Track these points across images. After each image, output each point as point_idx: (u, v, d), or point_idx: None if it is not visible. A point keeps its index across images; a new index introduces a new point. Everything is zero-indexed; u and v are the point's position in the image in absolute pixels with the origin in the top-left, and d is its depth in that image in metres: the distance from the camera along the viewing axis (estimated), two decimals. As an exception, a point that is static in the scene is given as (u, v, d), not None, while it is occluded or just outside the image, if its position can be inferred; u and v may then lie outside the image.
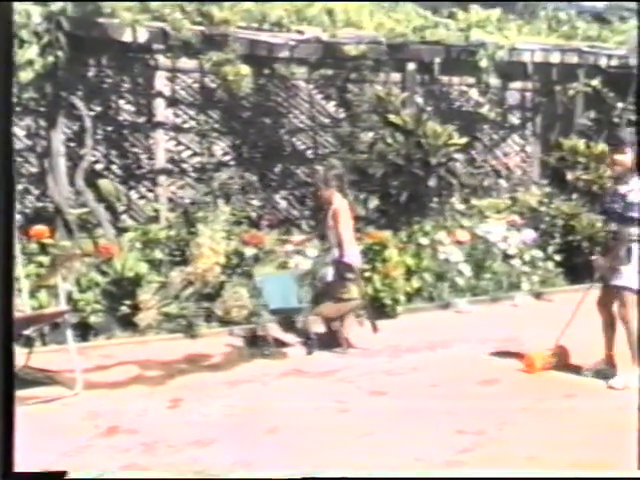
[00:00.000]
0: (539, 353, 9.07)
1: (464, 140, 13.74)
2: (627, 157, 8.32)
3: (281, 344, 10.23)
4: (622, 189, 8.37)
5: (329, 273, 10.41)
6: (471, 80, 14.73)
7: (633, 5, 19.90)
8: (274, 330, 10.53)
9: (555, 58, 15.47)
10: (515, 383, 8.55)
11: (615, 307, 8.55)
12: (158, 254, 11.07)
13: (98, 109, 11.94)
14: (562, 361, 9.08)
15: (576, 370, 8.82)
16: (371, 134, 13.58)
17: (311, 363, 9.41)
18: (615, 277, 8.41)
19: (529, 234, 13.54)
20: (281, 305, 10.25)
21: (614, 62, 16.09)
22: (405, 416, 7.50)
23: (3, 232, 3.86)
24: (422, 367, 9.17)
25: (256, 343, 10.17)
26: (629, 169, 8.34)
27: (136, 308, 10.29)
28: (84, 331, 9.94)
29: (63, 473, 4.81)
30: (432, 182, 13.38)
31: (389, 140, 13.24)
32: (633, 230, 8.23)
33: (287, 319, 10.72)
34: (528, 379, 8.66)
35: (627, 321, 8.40)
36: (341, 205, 10.24)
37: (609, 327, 8.77)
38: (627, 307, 8.37)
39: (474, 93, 15.02)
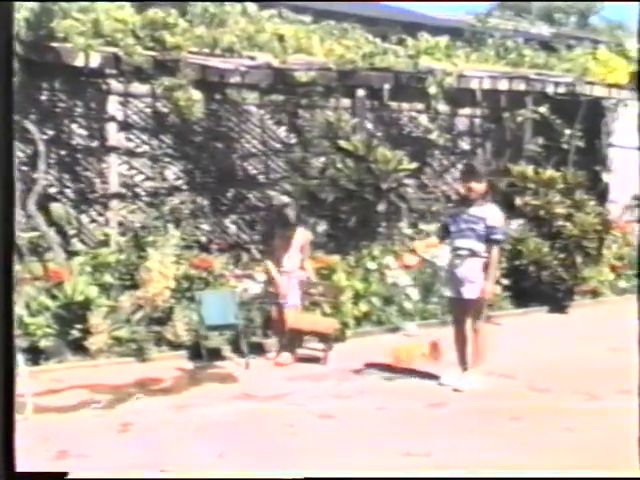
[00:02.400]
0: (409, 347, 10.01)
1: (414, 165, 13.91)
2: (481, 185, 9.19)
3: (219, 357, 10.56)
4: (479, 213, 9.14)
5: (295, 294, 10.66)
6: (420, 106, 14.94)
7: (580, 33, 20.31)
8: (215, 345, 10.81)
9: (503, 85, 15.75)
10: (463, 405, 8.66)
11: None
12: (108, 278, 11.07)
13: (51, 133, 11.97)
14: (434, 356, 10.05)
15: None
16: (322, 159, 13.74)
17: (260, 387, 9.45)
18: (467, 290, 9.15)
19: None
20: (218, 321, 10.55)
21: (561, 89, 16.39)
22: (353, 439, 7.58)
23: (3, 241, 3.89)
24: (370, 390, 9.25)
25: (198, 357, 10.45)
26: (482, 195, 9.19)
27: (87, 332, 10.27)
28: (35, 355, 9.88)
29: (63, 474, 4.85)
30: (382, 207, 13.50)
31: (340, 165, 13.37)
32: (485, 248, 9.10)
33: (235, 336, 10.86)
34: (475, 402, 8.77)
35: (477, 330, 9.28)
36: (307, 234, 11.08)
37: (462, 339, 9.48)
38: (477, 317, 9.29)
39: (424, 119, 15.19)
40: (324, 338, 10.65)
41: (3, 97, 3.91)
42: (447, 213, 10.30)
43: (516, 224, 14.38)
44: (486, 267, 9.12)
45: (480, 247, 9.10)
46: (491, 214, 9.19)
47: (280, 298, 10.69)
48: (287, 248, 10.73)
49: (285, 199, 13.21)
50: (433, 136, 14.96)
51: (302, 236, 10.95)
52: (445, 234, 9.73)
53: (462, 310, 9.41)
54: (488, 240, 9.09)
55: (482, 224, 9.08)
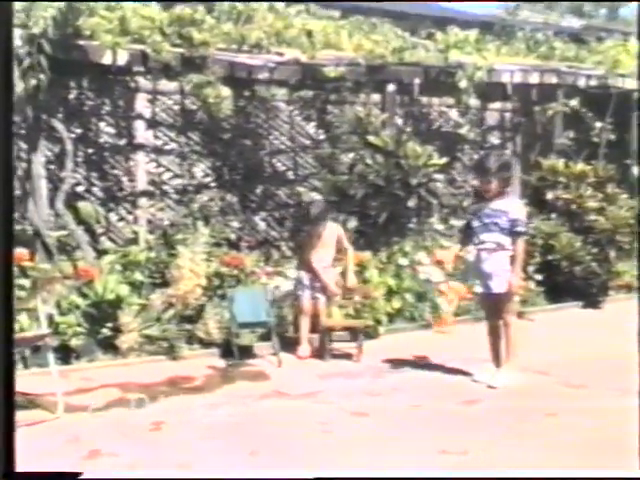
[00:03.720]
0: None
1: (444, 160, 13.80)
2: (493, 184, 9.12)
3: (251, 355, 10.58)
4: (501, 206, 9.10)
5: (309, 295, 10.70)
6: (450, 101, 14.84)
7: (610, 25, 20.10)
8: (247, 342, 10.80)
9: (534, 78, 15.60)
10: (497, 403, 8.56)
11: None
12: (138, 276, 11.07)
13: (79, 131, 12.00)
14: None
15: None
16: (351, 155, 13.65)
17: (292, 384, 9.38)
18: (496, 284, 9.09)
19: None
20: (249, 319, 10.52)
21: (592, 82, 16.22)
22: (388, 437, 7.49)
23: (2, 244, 3.84)
24: (404, 387, 9.16)
25: (230, 355, 10.43)
26: (496, 193, 9.12)
27: (117, 331, 10.26)
28: (65, 354, 9.89)
29: (66, 474, 4.81)
30: (412, 202, 13.40)
31: (369, 161, 13.28)
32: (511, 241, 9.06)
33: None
34: (510, 398, 8.66)
35: (508, 324, 9.23)
36: (338, 229, 11.22)
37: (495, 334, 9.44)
38: (508, 311, 9.25)
39: (454, 114, 15.13)
40: (355, 334, 10.59)
41: (3, 96, 3.85)
42: (470, 209, 10.20)
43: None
44: (512, 260, 9.07)
45: (505, 240, 9.04)
46: (513, 207, 9.16)
47: (324, 290, 10.77)
48: (315, 244, 10.69)
49: (314, 196, 13.14)
50: (463, 130, 14.91)
51: (332, 231, 10.89)
52: (468, 232, 9.62)
53: (492, 305, 9.33)
54: (512, 233, 9.05)
55: (505, 217, 9.03)
